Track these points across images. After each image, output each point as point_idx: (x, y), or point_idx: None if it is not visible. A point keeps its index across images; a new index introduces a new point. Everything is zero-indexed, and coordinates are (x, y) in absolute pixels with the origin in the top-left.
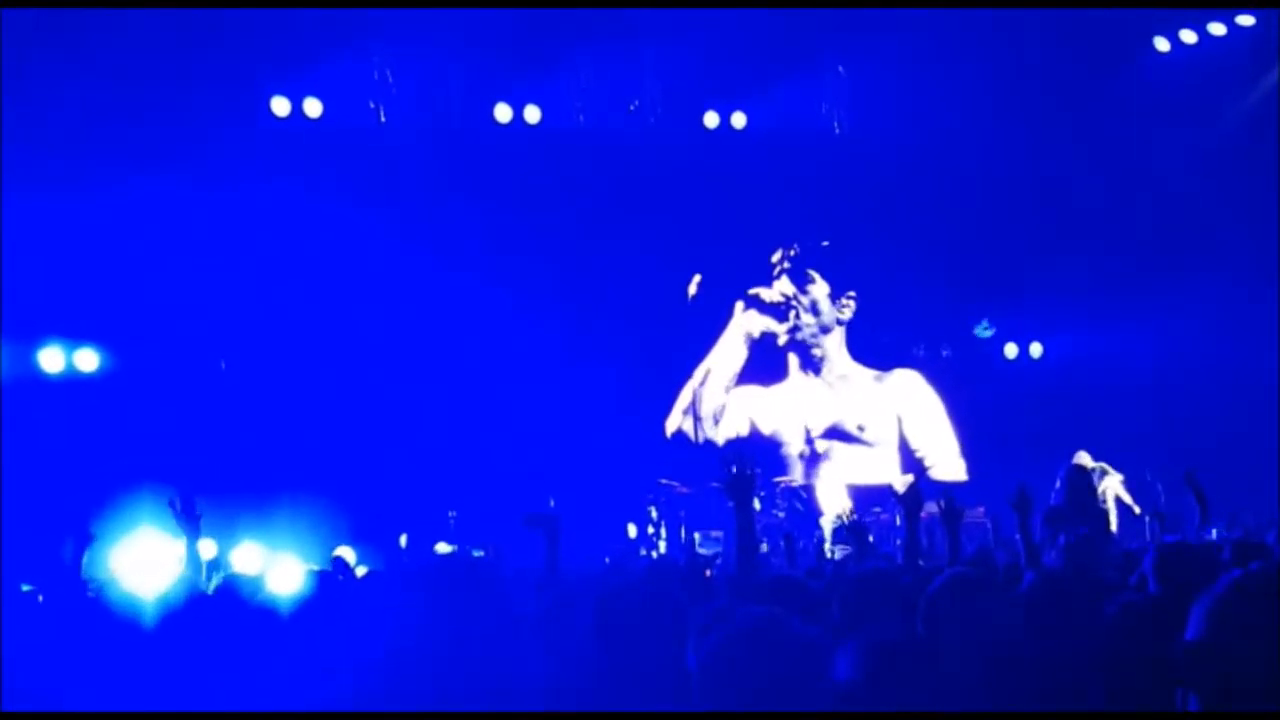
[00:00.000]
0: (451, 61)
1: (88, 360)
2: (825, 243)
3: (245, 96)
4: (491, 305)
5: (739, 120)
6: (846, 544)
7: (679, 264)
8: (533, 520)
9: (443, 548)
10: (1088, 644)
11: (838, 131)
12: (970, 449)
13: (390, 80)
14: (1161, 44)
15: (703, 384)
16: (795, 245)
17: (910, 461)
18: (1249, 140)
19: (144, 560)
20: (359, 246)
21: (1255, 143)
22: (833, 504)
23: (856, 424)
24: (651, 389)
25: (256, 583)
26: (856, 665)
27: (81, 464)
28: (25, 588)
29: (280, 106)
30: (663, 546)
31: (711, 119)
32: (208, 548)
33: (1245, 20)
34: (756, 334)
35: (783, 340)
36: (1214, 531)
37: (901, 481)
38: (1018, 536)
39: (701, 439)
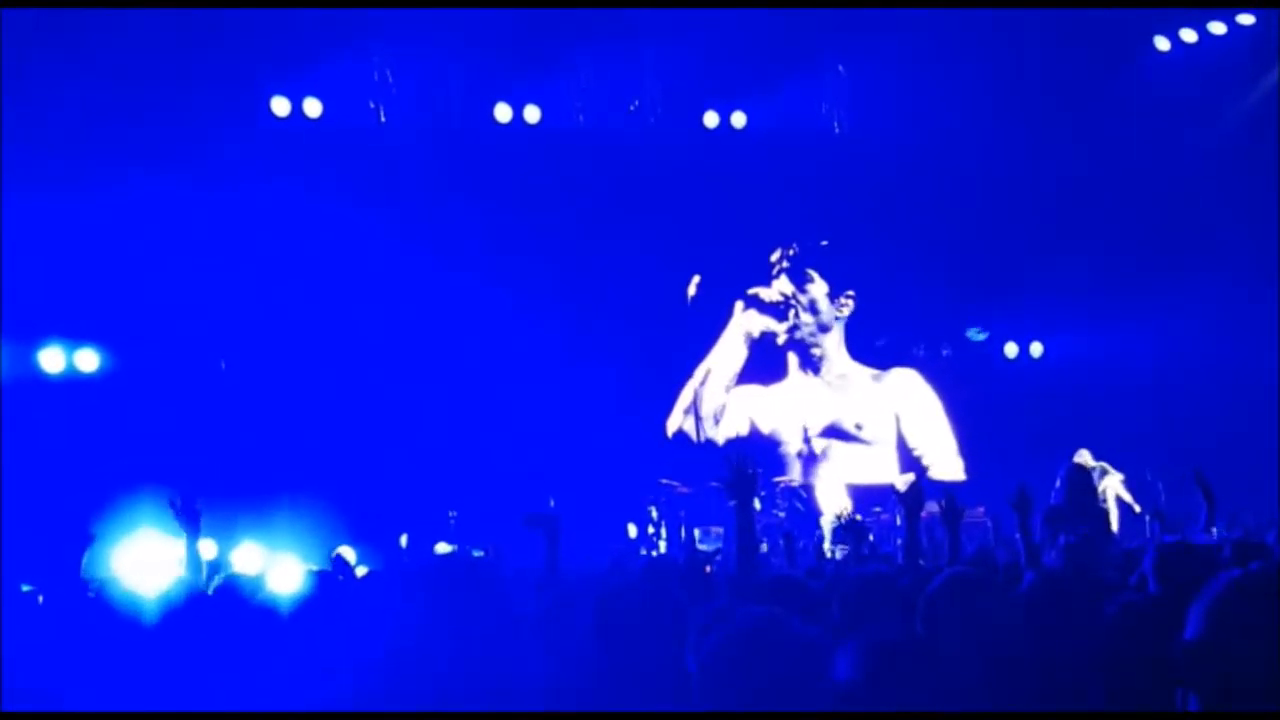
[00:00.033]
0: (451, 61)
1: (88, 360)
2: (824, 242)
3: (245, 96)
4: (491, 305)
5: (739, 120)
6: (846, 544)
7: (679, 264)
8: (533, 520)
9: (443, 548)
10: (1088, 644)
11: (838, 131)
12: (970, 449)
13: (390, 80)
14: (1162, 43)
15: (703, 384)
16: (794, 245)
17: (908, 460)
18: (1249, 140)
19: (144, 560)
20: (359, 247)
21: (1255, 143)
22: (833, 503)
23: (854, 422)
24: (651, 389)
25: (257, 583)
26: (856, 665)
27: (82, 464)
28: (25, 588)
29: (280, 106)
30: (663, 546)
31: (711, 119)
32: (208, 548)
33: (1245, 20)
34: (756, 333)
35: (782, 339)
36: (1214, 531)
37: (902, 480)
38: (1018, 536)
39: (703, 439)
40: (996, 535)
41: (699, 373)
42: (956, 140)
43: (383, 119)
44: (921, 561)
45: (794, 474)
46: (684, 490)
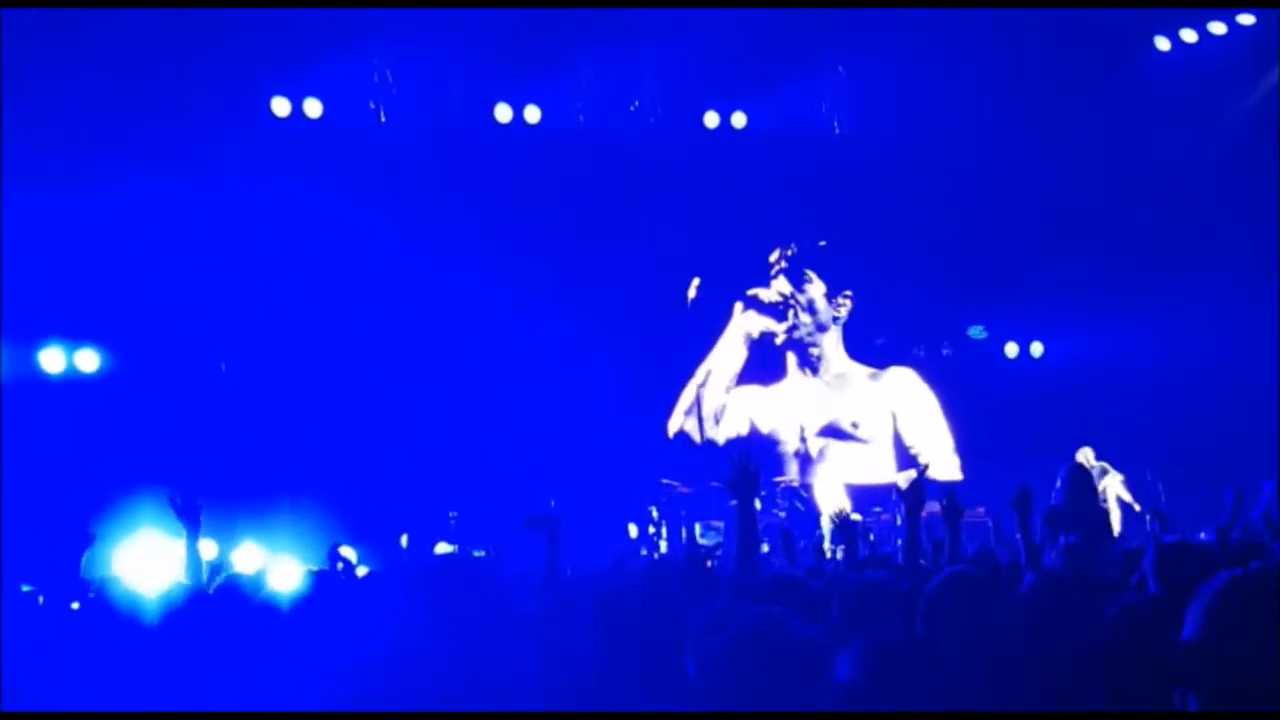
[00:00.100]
0: (451, 61)
1: (88, 361)
2: (822, 243)
3: (245, 96)
4: (492, 305)
5: (739, 120)
6: (843, 545)
7: (679, 264)
8: (533, 521)
9: (443, 548)
10: (1088, 644)
11: (838, 131)
12: (970, 448)
13: (390, 80)
14: (1162, 43)
15: (704, 384)
16: (792, 245)
17: (905, 459)
18: (1249, 140)
19: (145, 560)
20: (359, 247)
21: (1255, 143)
22: (832, 503)
23: (851, 421)
24: (652, 389)
25: (257, 583)
26: (856, 666)
27: (82, 464)
28: (25, 588)
29: (280, 107)
30: (664, 547)
31: (711, 119)
32: (208, 548)
33: (1245, 20)
34: (755, 334)
35: (780, 340)
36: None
37: (903, 479)
38: (1018, 536)
39: (704, 439)
40: (997, 535)
41: (700, 373)
42: (956, 140)
43: (383, 119)
44: (922, 561)
45: (793, 474)
46: (685, 490)
